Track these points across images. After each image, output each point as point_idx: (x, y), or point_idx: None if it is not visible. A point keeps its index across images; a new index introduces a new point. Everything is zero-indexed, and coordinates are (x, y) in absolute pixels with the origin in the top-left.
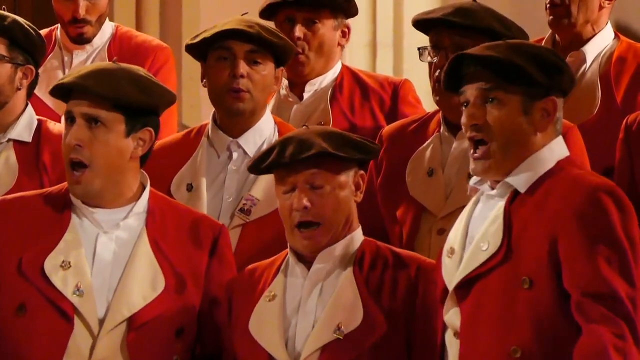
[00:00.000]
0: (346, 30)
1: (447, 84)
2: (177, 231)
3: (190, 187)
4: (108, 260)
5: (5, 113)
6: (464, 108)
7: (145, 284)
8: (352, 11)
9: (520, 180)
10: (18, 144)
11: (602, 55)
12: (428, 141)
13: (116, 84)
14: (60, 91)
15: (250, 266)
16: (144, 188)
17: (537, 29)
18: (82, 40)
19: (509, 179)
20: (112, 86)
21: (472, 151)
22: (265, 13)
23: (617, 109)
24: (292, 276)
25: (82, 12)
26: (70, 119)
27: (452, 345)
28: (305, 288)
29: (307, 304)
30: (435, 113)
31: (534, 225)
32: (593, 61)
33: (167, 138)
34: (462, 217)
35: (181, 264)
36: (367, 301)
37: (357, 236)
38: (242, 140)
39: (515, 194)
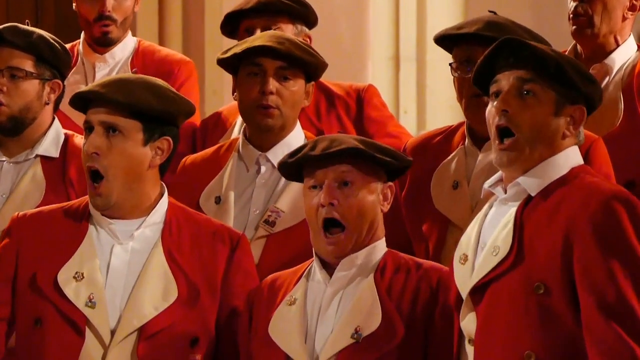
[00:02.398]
0: (307, 39)
1: (478, 77)
2: (193, 242)
3: (218, 200)
4: (122, 271)
5: (33, 129)
6: (493, 98)
7: (157, 294)
8: (310, 18)
9: (532, 182)
10: (45, 159)
11: (625, 67)
12: (453, 154)
13: (134, 92)
14: (80, 101)
15: (271, 276)
16: (162, 198)
17: (559, 40)
18: (106, 41)
19: (521, 180)
20: (130, 93)
21: (497, 142)
22: (226, 28)
23: (639, 121)
24: (314, 281)
25: (109, 7)
26: (89, 129)
27: (469, 353)
28: (326, 295)
29: (327, 310)
30: (459, 125)
31: (546, 230)
32: (616, 73)
33: (198, 153)
34: (474, 223)
35: (196, 275)
36: (386, 306)
37: (381, 245)
38: (270, 154)
39: (527, 199)
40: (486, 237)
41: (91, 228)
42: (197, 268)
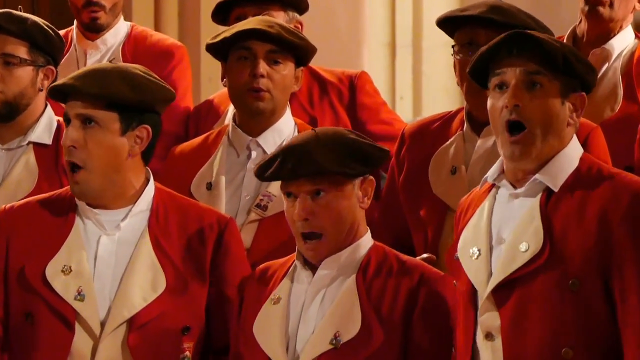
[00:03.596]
0: (299, 25)
1: (477, 66)
2: (181, 228)
3: (209, 186)
4: (110, 262)
5: (26, 115)
6: (497, 91)
7: (145, 284)
8: (302, 6)
9: (551, 178)
10: (38, 146)
11: (624, 54)
12: (451, 139)
13: (108, 83)
14: (57, 94)
15: (262, 265)
16: (147, 185)
17: (557, 28)
18: (95, 26)
19: (540, 177)
20: (104, 85)
21: (507, 135)
22: (218, 16)
23: (638, 108)
24: (298, 281)
25: None
26: (67, 121)
27: (485, 349)
28: (308, 294)
29: (309, 310)
30: (457, 111)
31: (577, 225)
32: (615, 59)
33: (187, 142)
34: (480, 217)
35: (184, 262)
36: (366, 311)
37: (365, 242)
38: (261, 139)
39: (548, 193)
40: (502, 231)
41: (78, 219)
42: (185, 255)
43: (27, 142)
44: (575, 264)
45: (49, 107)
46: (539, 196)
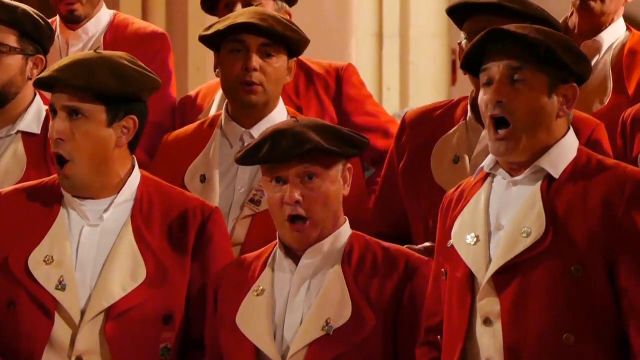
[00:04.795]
0: (287, 15)
1: (467, 62)
2: (164, 216)
3: (203, 178)
4: (91, 252)
5: (15, 104)
6: (485, 87)
7: (125, 274)
8: None
9: (552, 165)
10: (26, 135)
11: (614, 46)
12: (454, 128)
13: (92, 74)
14: (43, 84)
15: (237, 257)
16: (132, 175)
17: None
18: (73, 18)
19: (542, 164)
20: (88, 76)
21: (492, 131)
22: (207, 4)
23: (628, 100)
24: (280, 270)
25: None
26: (53, 112)
27: (483, 334)
28: (293, 283)
29: (295, 299)
30: (461, 100)
31: (579, 213)
32: (606, 52)
33: (180, 129)
34: (476, 204)
35: (166, 251)
36: (355, 296)
37: (345, 230)
38: (254, 131)
39: (549, 180)
40: (501, 218)
41: (62, 209)
42: (167, 244)
43: (15, 131)
44: (579, 250)
45: (37, 96)
46: (539, 183)
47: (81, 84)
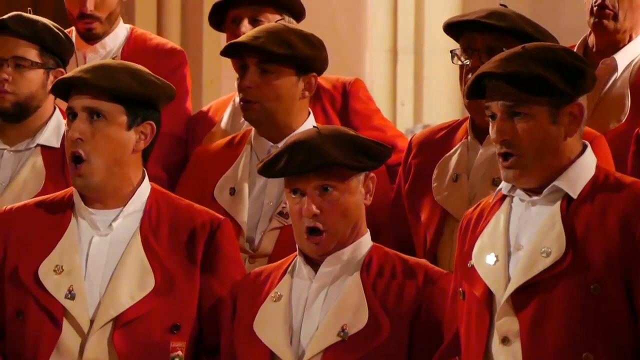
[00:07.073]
0: None
1: (470, 96)
2: (172, 228)
3: (233, 191)
4: (101, 262)
5: (35, 117)
6: (490, 120)
7: (133, 284)
8: (296, 9)
9: (570, 185)
10: (46, 149)
11: (633, 64)
12: (455, 147)
13: (116, 77)
14: (61, 89)
15: (255, 269)
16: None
17: (557, 35)
18: (91, 36)
19: (559, 184)
20: (112, 78)
21: (501, 160)
22: (213, 19)
23: None
24: (299, 277)
25: (89, 7)
26: (72, 115)
27: (501, 353)
28: (311, 290)
29: (312, 306)
30: (463, 120)
31: (599, 232)
32: (624, 70)
33: (211, 144)
34: (496, 225)
35: (174, 262)
36: (373, 303)
37: (365, 241)
38: (281, 145)
39: (568, 200)
40: (520, 238)
41: (73, 219)
42: (175, 255)
43: (35, 144)
44: (598, 269)
45: (57, 111)
46: (558, 203)
47: (105, 85)
